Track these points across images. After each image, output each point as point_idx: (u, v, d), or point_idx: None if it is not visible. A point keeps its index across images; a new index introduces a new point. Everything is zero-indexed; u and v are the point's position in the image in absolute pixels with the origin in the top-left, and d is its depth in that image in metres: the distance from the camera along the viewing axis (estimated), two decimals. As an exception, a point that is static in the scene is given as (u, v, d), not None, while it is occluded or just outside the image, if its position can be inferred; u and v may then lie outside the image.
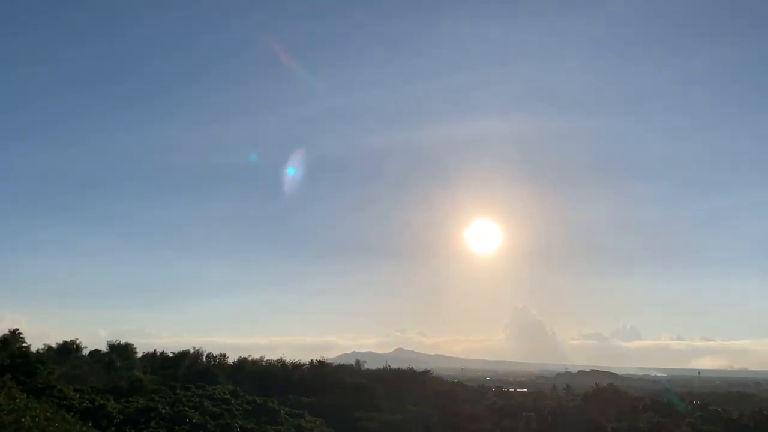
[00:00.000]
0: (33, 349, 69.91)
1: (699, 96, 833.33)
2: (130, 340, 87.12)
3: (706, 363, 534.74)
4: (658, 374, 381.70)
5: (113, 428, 50.73)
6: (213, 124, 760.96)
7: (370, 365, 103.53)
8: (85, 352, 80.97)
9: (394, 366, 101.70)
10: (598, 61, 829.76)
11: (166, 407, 58.22)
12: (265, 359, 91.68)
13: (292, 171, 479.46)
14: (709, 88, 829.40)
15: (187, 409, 58.87)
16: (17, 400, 30.05)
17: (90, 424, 43.57)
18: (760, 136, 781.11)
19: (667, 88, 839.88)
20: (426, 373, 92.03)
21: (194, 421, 56.38)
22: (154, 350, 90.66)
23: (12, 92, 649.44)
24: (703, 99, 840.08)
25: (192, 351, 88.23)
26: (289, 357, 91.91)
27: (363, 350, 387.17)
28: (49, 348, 77.19)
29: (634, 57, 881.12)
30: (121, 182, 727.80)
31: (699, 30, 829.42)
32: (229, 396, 67.93)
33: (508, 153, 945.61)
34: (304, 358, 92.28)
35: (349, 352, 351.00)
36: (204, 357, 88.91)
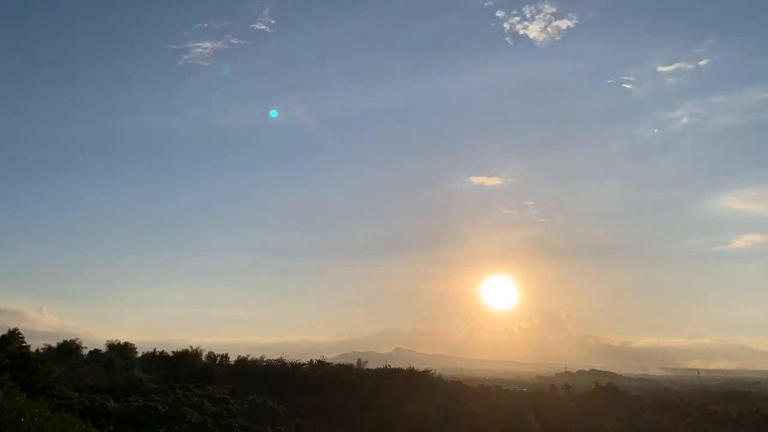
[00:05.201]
0: (33, 349, 70.20)
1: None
2: (130, 339, 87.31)
3: (705, 363, 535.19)
4: (658, 374, 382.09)
5: (112, 428, 50.72)
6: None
7: (370, 365, 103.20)
8: (85, 351, 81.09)
9: (393, 366, 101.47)
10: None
11: (166, 407, 58.27)
12: (265, 359, 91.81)
13: (275, 113, 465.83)
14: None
15: (186, 408, 58.86)
16: (17, 400, 30.00)
17: (89, 424, 43.49)
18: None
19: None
20: (426, 372, 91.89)
21: (194, 420, 56.41)
22: (154, 350, 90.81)
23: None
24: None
25: (192, 350, 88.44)
26: (289, 357, 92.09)
27: (362, 350, 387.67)
28: (49, 348, 77.34)
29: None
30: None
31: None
32: (228, 396, 67.97)
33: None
34: (304, 357, 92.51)
35: (349, 351, 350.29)
36: (204, 356, 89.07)
